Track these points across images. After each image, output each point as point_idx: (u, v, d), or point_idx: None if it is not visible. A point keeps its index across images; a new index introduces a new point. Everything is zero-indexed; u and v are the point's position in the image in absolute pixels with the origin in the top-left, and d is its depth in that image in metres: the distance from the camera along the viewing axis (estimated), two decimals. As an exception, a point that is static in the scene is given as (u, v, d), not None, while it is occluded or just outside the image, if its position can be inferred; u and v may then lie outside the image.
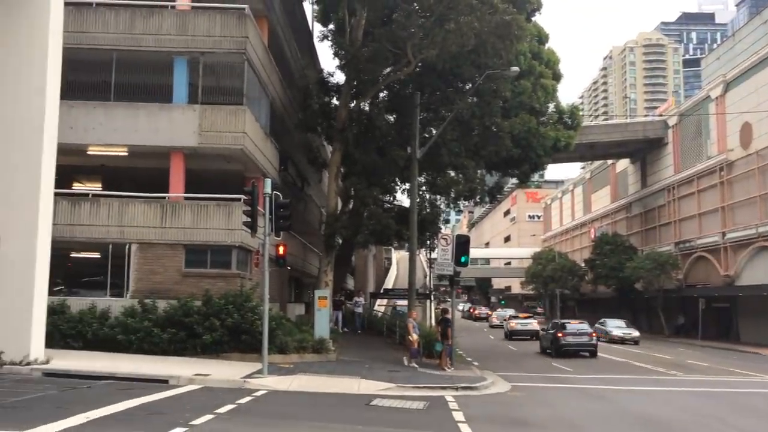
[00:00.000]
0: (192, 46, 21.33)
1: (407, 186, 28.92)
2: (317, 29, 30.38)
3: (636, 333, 42.34)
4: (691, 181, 49.96)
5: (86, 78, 21.37)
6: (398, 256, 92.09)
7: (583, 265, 65.29)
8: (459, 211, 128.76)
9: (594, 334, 31.15)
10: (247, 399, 13.09)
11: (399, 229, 27.50)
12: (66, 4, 17.38)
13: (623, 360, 29.24)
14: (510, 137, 28.63)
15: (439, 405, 13.99)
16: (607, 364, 27.51)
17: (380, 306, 51.59)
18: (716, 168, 45.78)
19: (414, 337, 21.30)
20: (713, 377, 22.98)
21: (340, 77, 31.42)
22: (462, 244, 22.68)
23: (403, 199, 51.50)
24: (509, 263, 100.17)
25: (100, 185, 26.03)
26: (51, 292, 17.15)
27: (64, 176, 20.79)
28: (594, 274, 58.98)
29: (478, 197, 32.92)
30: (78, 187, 26.18)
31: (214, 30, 21.40)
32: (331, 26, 29.32)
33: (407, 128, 26.88)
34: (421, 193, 29.16)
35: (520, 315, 52.01)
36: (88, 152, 21.80)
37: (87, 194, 21.72)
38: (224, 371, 16.29)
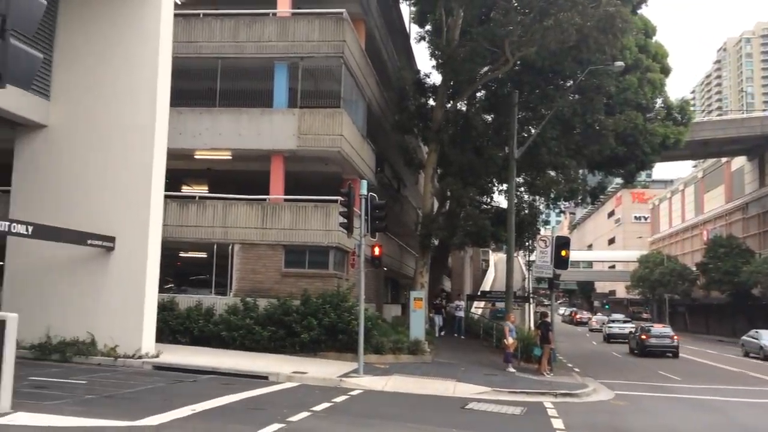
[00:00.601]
0: (292, 52, 21.91)
1: (504, 187, 28.44)
2: (414, 30, 30.50)
3: None
4: (816, 179, 46.23)
5: (193, 85, 22.44)
6: (496, 258, 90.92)
7: (694, 269, 62.00)
8: (559, 212, 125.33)
9: (675, 337, 33.59)
10: (343, 398, 13.23)
11: (495, 230, 27.04)
12: (175, 15, 18.33)
13: (738, 370, 27.38)
14: (614, 135, 27.57)
15: (537, 411, 13.58)
16: (719, 373, 25.85)
17: (477, 308, 51.05)
18: None
19: (511, 340, 20.86)
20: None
21: (436, 78, 31.40)
22: (561, 246, 22.03)
23: (500, 200, 50.53)
24: (613, 266, 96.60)
25: (206, 188, 27.23)
26: (161, 290, 18.08)
27: (174, 179, 21.87)
28: (707, 278, 55.86)
29: (579, 198, 31.96)
30: (186, 189, 27.52)
31: (312, 35, 21.89)
32: (428, 27, 29.31)
33: (505, 128, 26.41)
34: (519, 193, 28.60)
35: (618, 319, 52.72)
36: (196, 156, 22.83)
37: (194, 197, 22.72)
38: (321, 369, 16.57)
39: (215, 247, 21.37)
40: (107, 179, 16.62)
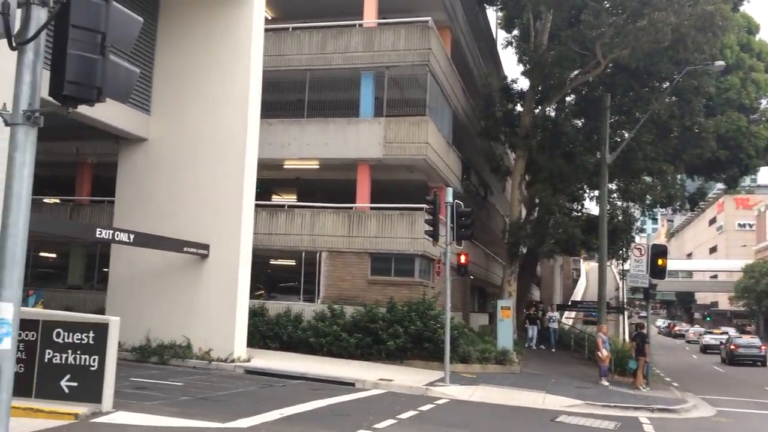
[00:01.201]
0: (377, 61, 22.11)
1: (596, 193, 27.56)
2: (501, 36, 30.17)
3: None
4: None
5: (282, 97, 23.08)
6: (587, 267, 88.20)
7: (806, 280, 57.84)
8: (655, 220, 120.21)
9: (763, 347, 36.02)
10: (429, 406, 13.13)
11: (586, 238, 26.23)
12: (266, 30, 18.92)
13: None
14: (715, 138, 26.24)
15: (632, 426, 12.99)
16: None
17: (567, 318, 49.63)
18: None
19: (604, 353, 20.09)
20: None
21: (523, 83, 30.83)
22: (658, 255, 21.06)
23: (591, 207, 48.94)
24: (715, 276, 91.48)
25: (295, 197, 27.88)
26: (252, 296, 18.62)
27: (264, 188, 22.52)
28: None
29: (677, 204, 30.53)
30: (276, 198, 28.27)
31: (398, 44, 22.02)
32: (515, 32, 28.93)
33: (596, 132, 25.63)
34: (611, 200, 27.67)
35: (714, 331, 53.75)
36: (285, 166, 23.40)
37: (283, 205, 23.28)
38: (407, 377, 16.54)
39: (303, 254, 21.80)
40: (201, 189, 17.31)
